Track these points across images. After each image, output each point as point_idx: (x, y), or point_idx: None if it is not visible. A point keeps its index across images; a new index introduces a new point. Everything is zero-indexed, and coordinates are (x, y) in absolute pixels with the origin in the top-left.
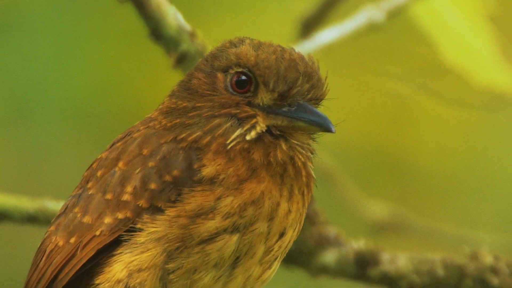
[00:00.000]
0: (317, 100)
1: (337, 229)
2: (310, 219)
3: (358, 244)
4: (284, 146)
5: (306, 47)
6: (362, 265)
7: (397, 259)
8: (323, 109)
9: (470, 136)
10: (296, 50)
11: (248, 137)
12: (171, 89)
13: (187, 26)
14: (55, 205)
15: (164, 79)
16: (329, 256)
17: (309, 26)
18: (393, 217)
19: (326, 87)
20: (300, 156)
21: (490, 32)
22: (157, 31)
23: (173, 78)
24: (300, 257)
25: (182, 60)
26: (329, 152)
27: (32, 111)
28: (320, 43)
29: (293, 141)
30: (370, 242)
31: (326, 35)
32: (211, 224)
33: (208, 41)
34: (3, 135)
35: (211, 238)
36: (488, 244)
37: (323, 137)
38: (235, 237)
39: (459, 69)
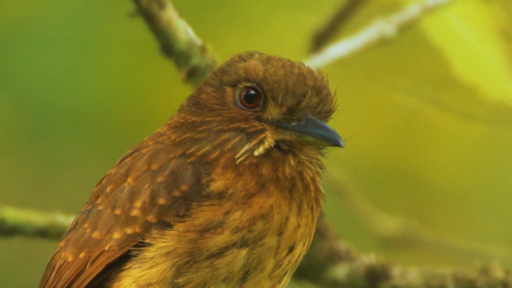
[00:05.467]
0: (327, 113)
1: (348, 243)
2: (321, 234)
3: (369, 258)
4: (292, 162)
5: (317, 61)
6: (373, 279)
7: (407, 273)
8: (334, 122)
9: (480, 149)
10: (306, 65)
11: (256, 153)
12: (181, 103)
13: (198, 41)
14: (66, 220)
15: (174, 94)
16: (340, 271)
17: (320, 40)
18: (403, 231)
19: (335, 101)
20: (309, 171)
21: (501, 45)
22: (167, 45)
23: (184, 92)
24: (310, 271)
25: (192, 74)
26: (340, 166)
27: (43, 127)
28: (331, 57)
29: (302, 156)
30: (381, 257)
31: (337, 49)
32: (220, 239)
33: (218, 55)
34: (14, 150)
35: (220, 253)
36: (499, 258)
37: (334, 151)
38: (244, 252)
39: (470, 83)
